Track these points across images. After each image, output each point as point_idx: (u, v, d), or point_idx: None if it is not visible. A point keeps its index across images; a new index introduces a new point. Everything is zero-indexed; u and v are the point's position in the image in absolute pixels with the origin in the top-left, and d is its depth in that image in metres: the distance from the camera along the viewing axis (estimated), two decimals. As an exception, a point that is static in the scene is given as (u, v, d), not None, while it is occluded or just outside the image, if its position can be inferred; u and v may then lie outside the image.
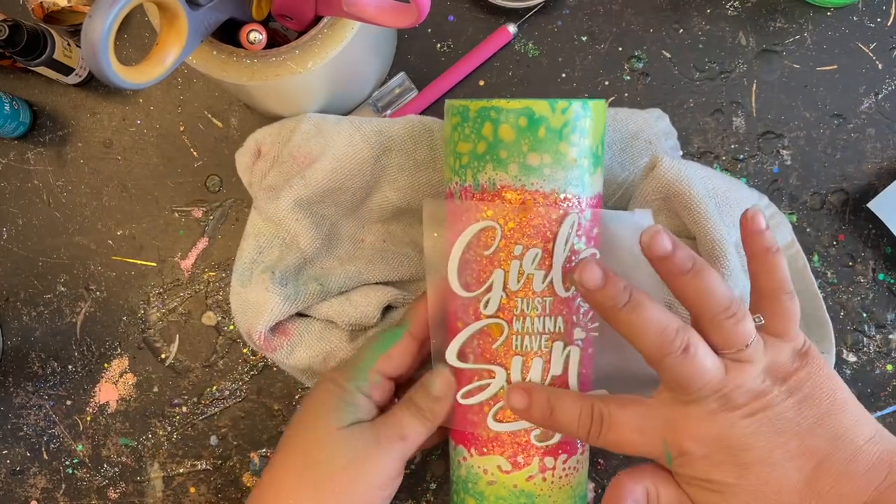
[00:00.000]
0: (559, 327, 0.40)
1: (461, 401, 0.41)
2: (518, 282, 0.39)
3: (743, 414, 0.36)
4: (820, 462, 0.35)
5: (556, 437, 0.41)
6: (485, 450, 0.41)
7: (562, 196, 0.39)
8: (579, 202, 0.39)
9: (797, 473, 0.35)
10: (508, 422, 0.41)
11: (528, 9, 0.52)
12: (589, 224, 0.40)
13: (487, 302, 0.40)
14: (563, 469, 0.42)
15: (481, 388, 0.41)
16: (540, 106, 0.38)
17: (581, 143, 0.39)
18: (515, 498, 0.41)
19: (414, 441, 0.41)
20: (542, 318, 0.40)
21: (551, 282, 0.39)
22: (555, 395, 0.39)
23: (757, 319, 0.37)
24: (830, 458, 0.35)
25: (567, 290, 0.39)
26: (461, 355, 0.41)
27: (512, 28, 0.52)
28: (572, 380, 0.41)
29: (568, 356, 0.40)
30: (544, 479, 0.41)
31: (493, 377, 0.40)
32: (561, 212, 0.39)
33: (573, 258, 0.39)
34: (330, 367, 0.46)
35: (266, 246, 0.47)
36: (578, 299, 0.40)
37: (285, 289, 0.45)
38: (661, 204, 0.46)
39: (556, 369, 0.40)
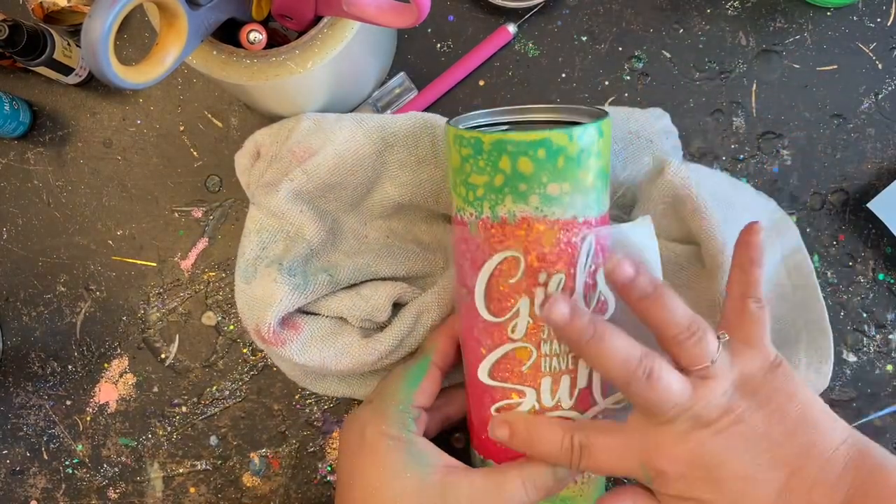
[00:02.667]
0: None
1: (496, 415, 0.42)
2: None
3: (713, 431, 0.36)
4: (793, 472, 0.36)
5: None
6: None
7: (580, 220, 0.39)
8: (595, 222, 0.40)
9: (771, 486, 0.36)
10: None
11: (528, 9, 0.52)
12: (602, 241, 0.40)
13: (515, 327, 0.40)
14: (590, 473, 0.43)
15: (512, 406, 0.41)
16: (558, 137, 0.37)
17: (596, 165, 0.39)
18: (549, 503, 0.42)
19: None
20: None
21: (575, 301, 0.39)
22: (535, 426, 0.40)
23: (721, 336, 0.38)
24: (803, 469, 0.36)
25: (588, 307, 0.40)
26: (492, 375, 0.41)
27: (512, 28, 0.52)
28: (596, 390, 0.41)
29: (591, 368, 0.41)
30: (575, 482, 0.42)
31: (524, 397, 0.41)
32: (581, 236, 0.39)
33: (593, 277, 0.40)
34: (360, 408, 0.45)
35: (270, 241, 0.46)
36: (599, 314, 0.41)
37: (294, 279, 0.45)
38: (666, 209, 0.46)
39: (582, 382, 0.41)
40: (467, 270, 0.41)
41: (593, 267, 0.40)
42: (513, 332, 0.40)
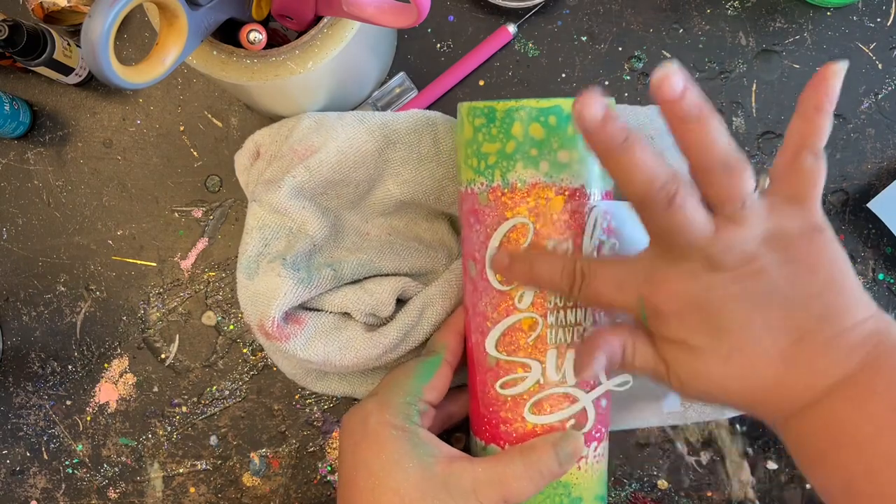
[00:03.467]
0: (589, 318, 0.41)
1: (500, 391, 0.42)
2: None
3: (728, 278, 0.33)
4: (801, 337, 0.33)
5: (589, 426, 0.42)
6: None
7: (588, 191, 0.40)
8: (601, 196, 0.41)
9: (776, 347, 0.33)
10: (545, 414, 0.41)
11: (528, 9, 0.52)
12: (608, 216, 0.41)
13: (521, 297, 0.40)
14: (594, 457, 0.43)
15: (516, 381, 0.41)
16: (568, 104, 0.39)
17: None
18: (552, 489, 0.42)
19: (512, 503, 0.39)
20: (573, 310, 0.41)
21: None
22: (537, 253, 0.40)
23: (761, 180, 0.34)
24: (813, 334, 0.33)
25: None
26: (498, 347, 0.42)
27: (512, 28, 0.52)
28: None
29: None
30: (578, 468, 0.42)
31: (529, 371, 0.41)
32: (589, 207, 0.40)
33: (599, 252, 0.41)
34: (365, 400, 0.44)
35: (272, 237, 0.46)
36: None
37: (298, 273, 0.45)
38: None
39: None
40: (476, 242, 0.42)
41: (599, 241, 0.40)
42: (519, 301, 0.40)
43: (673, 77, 0.32)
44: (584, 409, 0.41)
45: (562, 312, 0.40)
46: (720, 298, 0.33)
